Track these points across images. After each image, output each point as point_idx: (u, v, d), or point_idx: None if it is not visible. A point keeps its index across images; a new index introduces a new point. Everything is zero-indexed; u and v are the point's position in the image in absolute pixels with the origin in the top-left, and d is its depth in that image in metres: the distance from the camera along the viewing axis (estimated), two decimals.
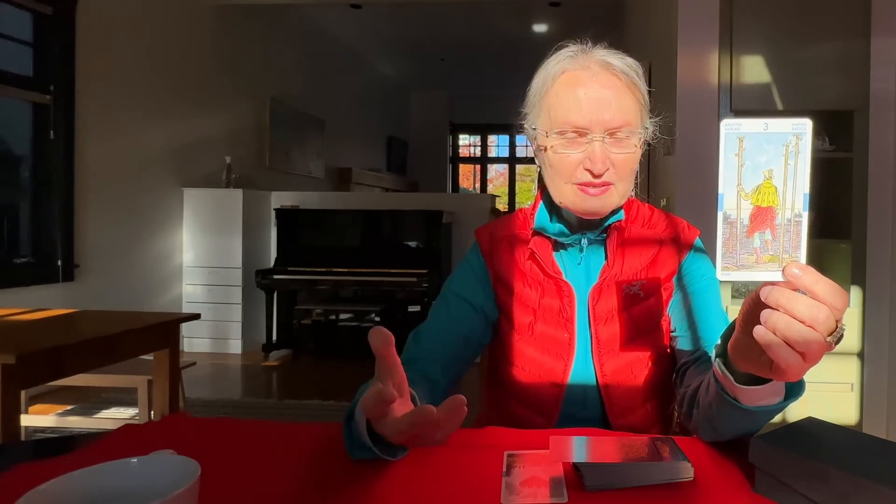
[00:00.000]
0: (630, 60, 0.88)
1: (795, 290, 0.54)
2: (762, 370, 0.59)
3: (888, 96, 2.38)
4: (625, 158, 0.85)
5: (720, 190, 0.55)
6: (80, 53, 3.67)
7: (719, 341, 0.67)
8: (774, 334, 0.54)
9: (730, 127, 0.55)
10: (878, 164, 2.40)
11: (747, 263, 0.55)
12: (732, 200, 0.55)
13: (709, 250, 0.92)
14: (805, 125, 0.54)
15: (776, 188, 0.54)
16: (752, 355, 0.59)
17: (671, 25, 2.62)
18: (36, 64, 3.54)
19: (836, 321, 0.53)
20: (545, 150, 0.88)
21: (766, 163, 0.54)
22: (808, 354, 0.53)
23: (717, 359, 0.67)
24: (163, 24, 4.42)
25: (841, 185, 2.49)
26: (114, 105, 3.96)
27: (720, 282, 0.92)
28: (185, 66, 4.67)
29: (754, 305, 0.56)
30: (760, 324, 0.54)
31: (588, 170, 0.84)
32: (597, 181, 0.84)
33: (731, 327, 0.63)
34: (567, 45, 0.90)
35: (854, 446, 0.62)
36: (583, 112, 0.84)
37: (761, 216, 0.54)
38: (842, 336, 0.54)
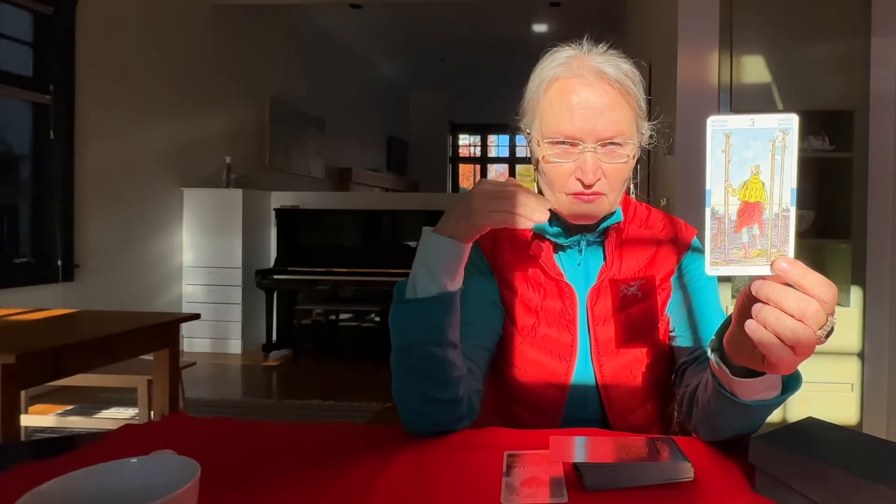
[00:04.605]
0: (626, 67, 0.86)
1: (786, 284, 0.54)
2: (756, 363, 0.59)
3: (888, 96, 2.38)
4: (616, 169, 0.84)
5: (708, 186, 0.55)
6: (80, 53, 3.67)
7: (715, 336, 0.68)
8: (765, 328, 0.54)
9: (716, 123, 0.55)
10: (878, 164, 2.40)
11: (736, 258, 0.55)
12: (720, 196, 0.55)
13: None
14: (791, 120, 0.54)
15: (763, 183, 0.54)
16: (745, 349, 0.59)
17: (671, 25, 2.62)
18: (36, 64, 3.54)
19: (827, 315, 0.54)
20: (539, 158, 0.87)
21: (752, 158, 0.54)
22: (799, 348, 0.53)
23: (713, 353, 0.67)
24: (163, 23, 4.42)
25: (841, 185, 2.49)
26: (114, 105, 3.96)
27: (717, 279, 0.92)
28: (185, 65, 4.67)
29: (747, 300, 0.57)
30: (752, 318, 0.54)
31: (579, 179, 0.83)
32: (587, 191, 0.84)
33: (727, 321, 0.64)
34: (561, 48, 0.89)
35: (854, 446, 0.62)
36: (575, 122, 0.82)
37: (749, 211, 0.55)
38: (832, 330, 0.54)
